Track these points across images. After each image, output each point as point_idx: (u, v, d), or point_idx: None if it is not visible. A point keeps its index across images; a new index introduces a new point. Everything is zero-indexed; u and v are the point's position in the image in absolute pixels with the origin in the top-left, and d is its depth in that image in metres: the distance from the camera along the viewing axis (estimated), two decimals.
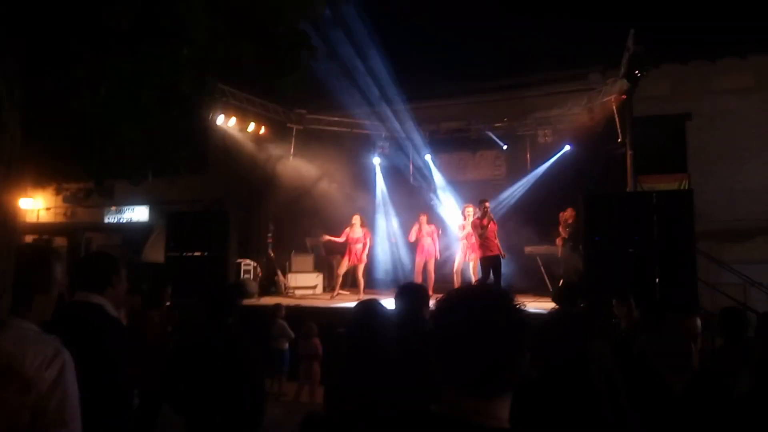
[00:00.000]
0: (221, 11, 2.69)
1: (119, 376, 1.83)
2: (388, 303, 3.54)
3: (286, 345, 8.22)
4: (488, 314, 1.23)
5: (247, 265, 11.71)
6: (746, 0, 12.00)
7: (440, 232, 11.01)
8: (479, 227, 9.26)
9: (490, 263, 9.25)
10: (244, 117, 12.14)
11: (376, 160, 13.84)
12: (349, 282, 11.71)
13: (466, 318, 1.24)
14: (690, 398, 2.14)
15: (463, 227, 10.09)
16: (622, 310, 5.07)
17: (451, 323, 1.26)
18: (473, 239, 9.75)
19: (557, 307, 4.20)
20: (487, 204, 9.47)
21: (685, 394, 2.15)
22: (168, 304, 6.90)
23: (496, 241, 9.33)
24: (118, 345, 1.85)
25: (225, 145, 12.60)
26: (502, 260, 9.34)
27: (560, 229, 10.32)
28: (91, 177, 3.76)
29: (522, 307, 1.29)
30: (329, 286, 12.45)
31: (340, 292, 11.16)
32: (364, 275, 11.03)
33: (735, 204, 12.56)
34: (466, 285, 1.34)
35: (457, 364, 1.23)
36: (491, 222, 9.29)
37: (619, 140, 10.52)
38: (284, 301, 10.03)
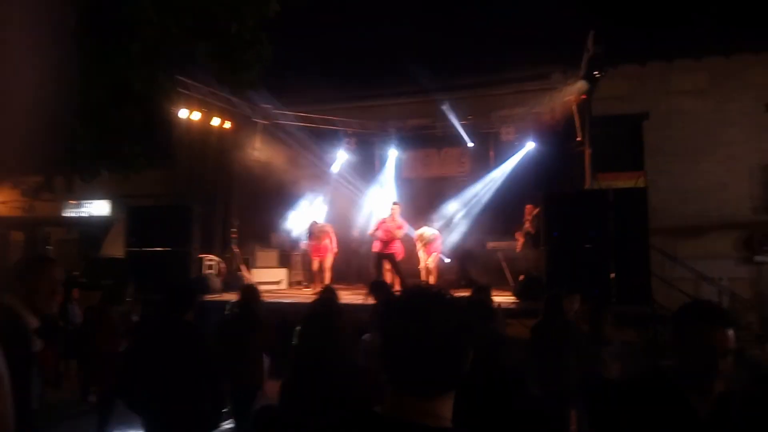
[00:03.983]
0: (173, 9, 2.68)
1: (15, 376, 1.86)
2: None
3: None
4: (429, 316, 1.25)
5: (210, 260, 11.57)
6: (702, 3, 12.37)
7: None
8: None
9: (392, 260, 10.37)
10: (208, 111, 11.97)
11: (342, 155, 13.82)
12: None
13: (407, 320, 1.26)
14: (718, 425, 1.88)
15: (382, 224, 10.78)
16: (570, 305, 5.22)
17: (394, 325, 1.29)
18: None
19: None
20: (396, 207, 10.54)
21: (712, 420, 1.88)
22: (129, 300, 6.77)
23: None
24: (14, 346, 1.89)
25: (189, 140, 12.39)
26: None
27: (526, 224, 10.51)
28: (40, 173, 3.69)
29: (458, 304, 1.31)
30: (294, 282, 12.44)
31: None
32: (332, 268, 11.23)
33: (689, 201, 12.98)
34: (408, 287, 1.37)
35: (400, 365, 1.25)
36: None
37: (579, 139, 10.74)
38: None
